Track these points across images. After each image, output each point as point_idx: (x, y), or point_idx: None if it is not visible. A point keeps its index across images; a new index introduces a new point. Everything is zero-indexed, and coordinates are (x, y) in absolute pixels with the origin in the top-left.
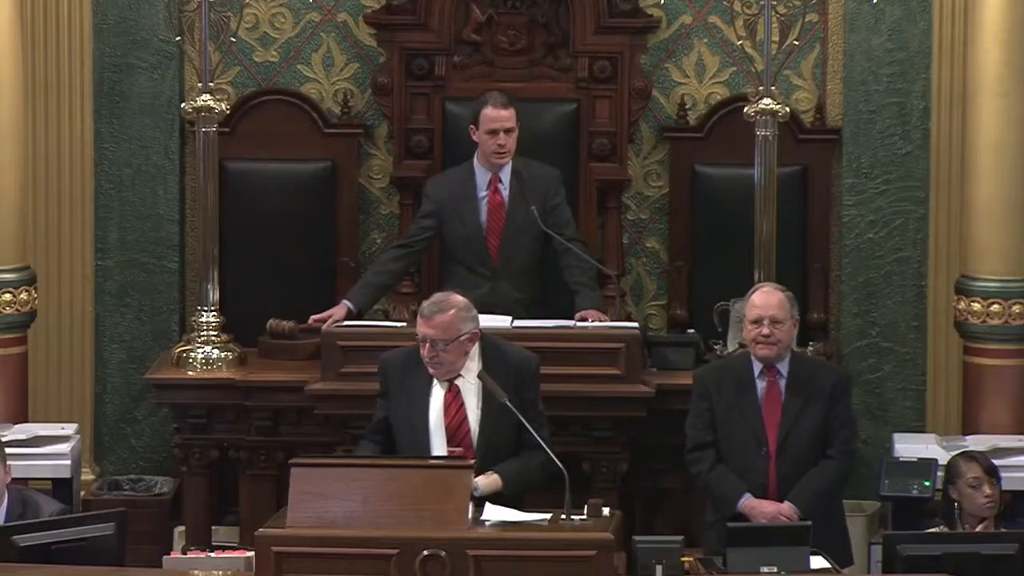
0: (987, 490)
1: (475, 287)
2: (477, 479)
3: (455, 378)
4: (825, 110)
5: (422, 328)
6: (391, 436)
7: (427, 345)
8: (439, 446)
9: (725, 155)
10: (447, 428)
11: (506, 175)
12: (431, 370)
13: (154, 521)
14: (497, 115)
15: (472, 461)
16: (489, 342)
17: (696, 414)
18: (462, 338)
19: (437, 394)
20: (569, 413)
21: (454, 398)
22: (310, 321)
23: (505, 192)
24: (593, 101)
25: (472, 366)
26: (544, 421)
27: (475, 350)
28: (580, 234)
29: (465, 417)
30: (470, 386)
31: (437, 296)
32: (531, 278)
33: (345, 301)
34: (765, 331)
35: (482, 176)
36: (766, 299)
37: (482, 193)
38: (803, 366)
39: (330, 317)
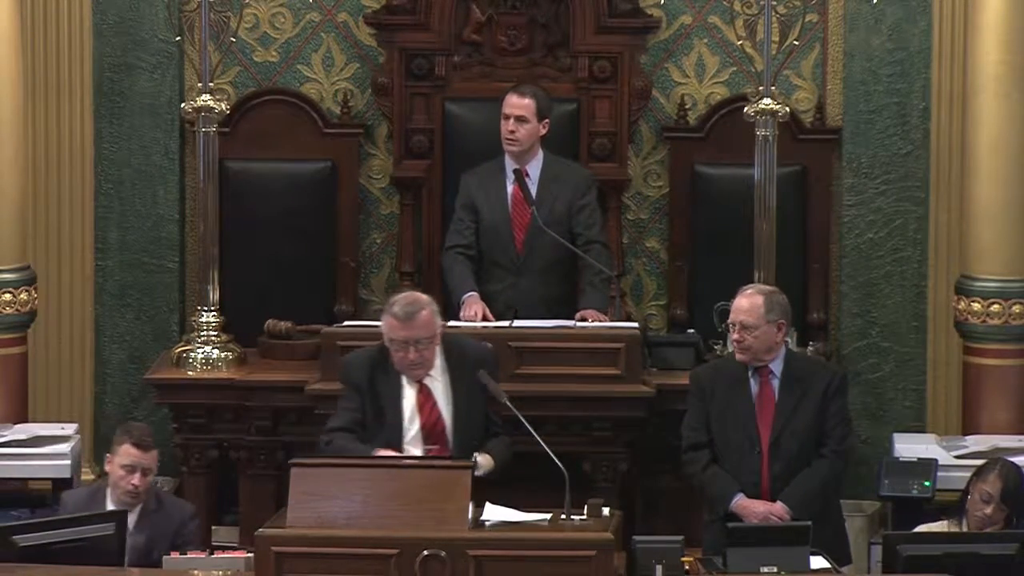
0: (988, 511)
1: (499, 281)
2: (477, 458)
3: (423, 377)
4: (825, 110)
5: (402, 332)
6: (365, 435)
7: (411, 348)
8: (415, 447)
9: (725, 155)
10: (422, 428)
11: (535, 170)
12: (410, 373)
13: None
14: (509, 100)
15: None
16: (446, 337)
17: (692, 414)
18: (440, 332)
19: (408, 395)
20: (569, 413)
21: (426, 398)
22: (466, 315)
23: (533, 187)
24: (593, 101)
25: (436, 363)
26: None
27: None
28: (604, 236)
29: (440, 415)
30: (438, 384)
31: (403, 298)
32: (558, 275)
33: (472, 292)
34: (735, 336)
35: (511, 169)
36: (740, 303)
37: (510, 186)
38: (797, 365)
39: (484, 315)
